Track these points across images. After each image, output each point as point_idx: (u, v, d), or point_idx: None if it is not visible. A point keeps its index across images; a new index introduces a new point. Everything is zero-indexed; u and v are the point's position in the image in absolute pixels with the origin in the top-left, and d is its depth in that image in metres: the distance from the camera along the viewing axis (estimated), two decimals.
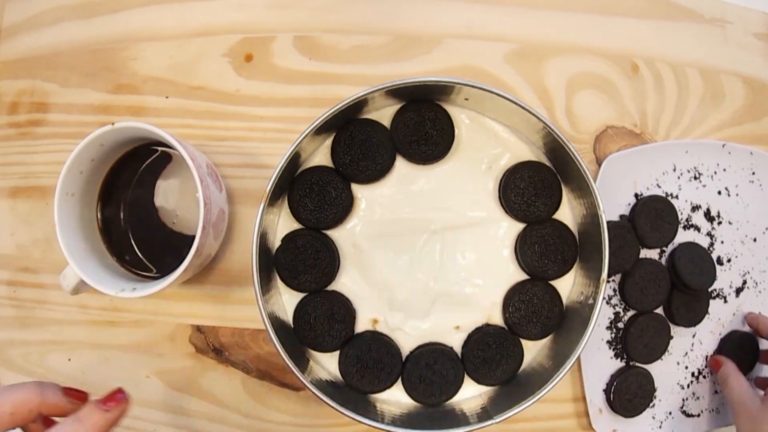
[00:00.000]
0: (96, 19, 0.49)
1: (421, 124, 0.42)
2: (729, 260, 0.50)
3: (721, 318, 0.50)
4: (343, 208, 0.41)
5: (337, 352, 0.41)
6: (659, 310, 0.48)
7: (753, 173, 0.51)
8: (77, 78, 0.49)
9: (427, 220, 0.42)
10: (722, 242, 0.50)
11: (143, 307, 0.47)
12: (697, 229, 0.50)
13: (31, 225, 0.48)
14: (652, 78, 0.50)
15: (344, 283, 0.42)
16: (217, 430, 0.46)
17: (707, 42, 0.52)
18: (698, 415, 0.50)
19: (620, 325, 0.48)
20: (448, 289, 0.42)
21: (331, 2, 0.48)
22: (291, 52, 0.48)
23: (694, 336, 0.50)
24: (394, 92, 0.40)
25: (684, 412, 0.50)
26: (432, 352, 0.41)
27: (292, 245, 0.41)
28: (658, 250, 0.49)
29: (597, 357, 0.47)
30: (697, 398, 0.50)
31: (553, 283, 0.43)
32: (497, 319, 0.43)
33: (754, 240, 0.51)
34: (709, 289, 0.50)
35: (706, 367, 0.50)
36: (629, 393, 0.47)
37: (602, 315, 0.47)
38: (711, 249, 0.50)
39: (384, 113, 0.42)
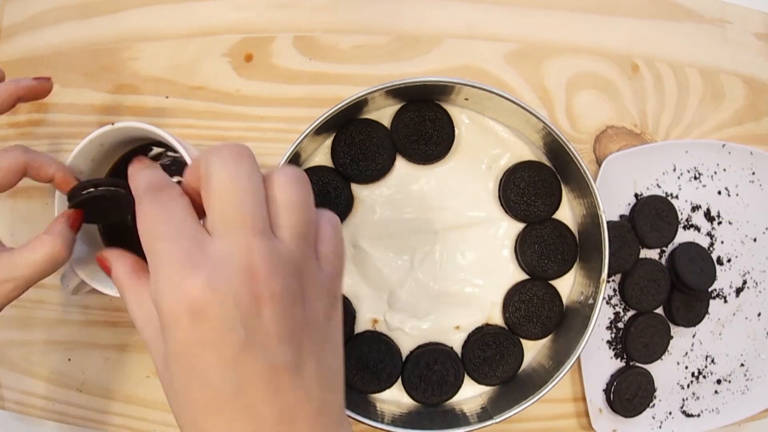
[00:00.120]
0: (96, 19, 0.49)
1: (421, 124, 0.42)
2: (729, 260, 0.50)
3: (721, 318, 0.50)
4: (343, 208, 0.41)
5: None
6: (659, 310, 0.48)
7: (753, 173, 0.51)
8: (77, 78, 0.49)
9: (427, 220, 0.42)
10: (722, 242, 0.50)
11: None
12: (697, 229, 0.50)
13: (31, 225, 0.48)
14: (652, 78, 0.50)
15: (344, 283, 0.42)
16: None
17: (707, 42, 0.52)
18: (698, 415, 0.50)
19: (620, 325, 0.48)
20: (448, 289, 0.42)
21: (331, 2, 0.48)
22: (291, 52, 0.48)
23: (694, 336, 0.50)
24: (394, 92, 0.40)
25: (684, 412, 0.50)
26: (432, 352, 0.41)
27: None
28: (658, 250, 0.49)
29: (597, 357, 0.47)
30: (697, 398, 0.50)
31: (553, 283, 0.43)
32: (497, 319, 0.43)
33: (754, 240, 0.51)
34: (709, 289, 0.50)
35: (706, 367, 0.50)
36: (629, 393, 0.47)
37: (602, 315, 0.47)
38: (711, 249, 0.50)
39: (384, 113, 0.42)
